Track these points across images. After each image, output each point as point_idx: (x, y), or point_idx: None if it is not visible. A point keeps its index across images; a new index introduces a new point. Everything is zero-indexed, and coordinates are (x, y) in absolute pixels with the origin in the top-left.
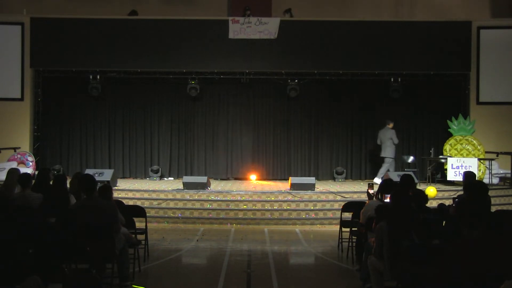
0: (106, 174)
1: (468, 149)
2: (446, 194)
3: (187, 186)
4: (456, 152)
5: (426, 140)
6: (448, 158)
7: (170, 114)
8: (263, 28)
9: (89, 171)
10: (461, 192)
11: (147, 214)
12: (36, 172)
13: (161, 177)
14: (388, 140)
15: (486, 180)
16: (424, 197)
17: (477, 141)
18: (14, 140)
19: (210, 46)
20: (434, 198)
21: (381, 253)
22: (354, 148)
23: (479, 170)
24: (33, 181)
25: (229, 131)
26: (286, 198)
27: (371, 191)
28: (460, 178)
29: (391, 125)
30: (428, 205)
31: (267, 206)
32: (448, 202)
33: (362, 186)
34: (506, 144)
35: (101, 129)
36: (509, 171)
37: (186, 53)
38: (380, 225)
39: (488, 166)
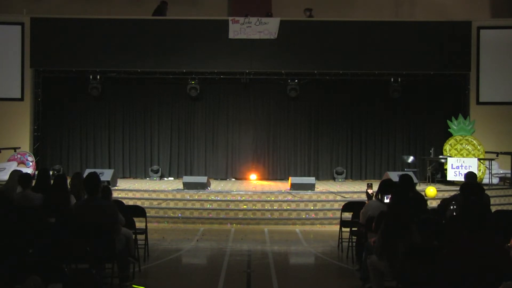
0: (106, 174)
1: (468, 149)
2: (446, 194)
3: (187, 186)
4: (456, 152)
5: (426, 140)
6: (448, 158)
7: (170, 114)
8: (263, 28)
9: (89, 171)
10: (457, 193)
11: (147, 214)
12: (36, 172)
13: (161, 177)
14: None
15: (486, 180)
16: (424, 202)
17: (477, 141)
18: (14, 140)
19: (210, 46)
20: (434, 198)
21: (382, 252)
22: (354, 148)
23: (479, 170)
24: (34, 181)
25: (229, 131)
26: (286, 198)
27: (370, 191)
28: (460, 178)
29: None
30: (428, 204)
31: (267, 206)
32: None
33: (362, 186)
34: (506, 144)
35: (101, 129)
36: (509, 171)
37: (186, 53)
38: (383, 224)
39: (488, 166)
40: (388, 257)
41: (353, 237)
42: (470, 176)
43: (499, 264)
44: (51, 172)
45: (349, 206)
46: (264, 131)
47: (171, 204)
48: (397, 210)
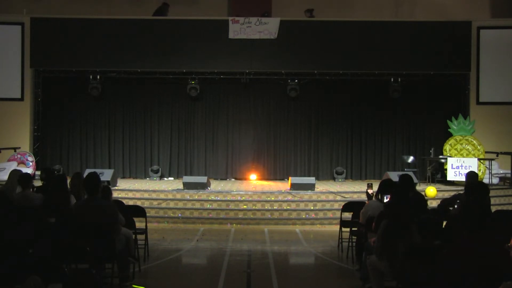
0: (106, 174)
1: (468, 149)
2: (446, 194)
3: (187, 186)
4: (456, 152)
5: (426, 140)
6: (448, 158)
7: (170, 114)
8: (263, 28)
9: (89, 171)
10: (461, 192)
11: (147, 214)
12: (36, 172)
13: (161, 177)
14: None
15: (486, 180)
16: (424, 202)
17: (477, 141)
18: (14, 140)
19: (210, 46)
20: (434, 198)
21: (382, 253)
22: (354, 148)
23: (479, 170)
24: (41, 182)
25: (229, 131)
26: (286, 198)
27: (370, 191)
28: (460, 178)
29: None
30: (428, 204)
31: (267, 206)
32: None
33: (362, 186)
34: (506, 144)
35: (101, 129)
36: (509, 171)
37: (186, 53)
38: (384, 223)
39: (488, 166)
40: (388, 257)
41: (353, 237)
42: (473, 176)
43: (499, 264)
44: None
45: (349, 206)
46: (264, 131)
47: (171, 204)
48: (397, 210)
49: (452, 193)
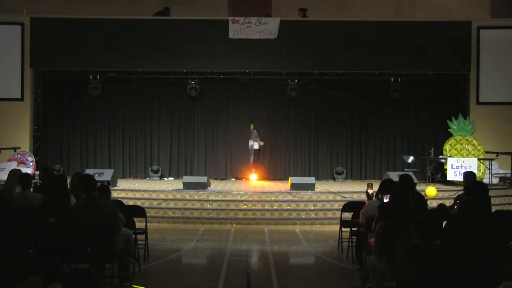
0: (106, 174)
1: (468, 149)
2: (446, 194)
3: (187, 186)
4: (456, 152)
5: (426, 140)
6: (448, 158)
7: (170, 114)
8: (263, 28)
9: (89, 171)
10: (461, 192)
11: (147, 214)
12: (37, 172)
13: (161, 177)
14: None
15: (486, 180)
16: (424, 202)
17: (477, 141)
18: (14, 140)
19: (210, 46)
20: (434, 198)
21: (382, 253)
22: (354, 148)
23: (479, 170)
24: (38, 181)
25: (229, 131)
26: (286, 198)
27: (370, 191)
28: (460, 178)
29: None
30: (428, 205)
31: (267, 206)
32: (448, 202)
33: (362, 186)
34: (506, 144)
35: (101, 129)
36: (509, 171)
37: (186, 53)
38: (381, 224)
39: (488, 166)
40: (388, 257)
41: (353, 237)
42: (471, 176)
43: (499, 264)
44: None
45: (349, 206)
46: (264, 131)
47: (171, 204)
48: (393, 211)
49: (452, 193)
